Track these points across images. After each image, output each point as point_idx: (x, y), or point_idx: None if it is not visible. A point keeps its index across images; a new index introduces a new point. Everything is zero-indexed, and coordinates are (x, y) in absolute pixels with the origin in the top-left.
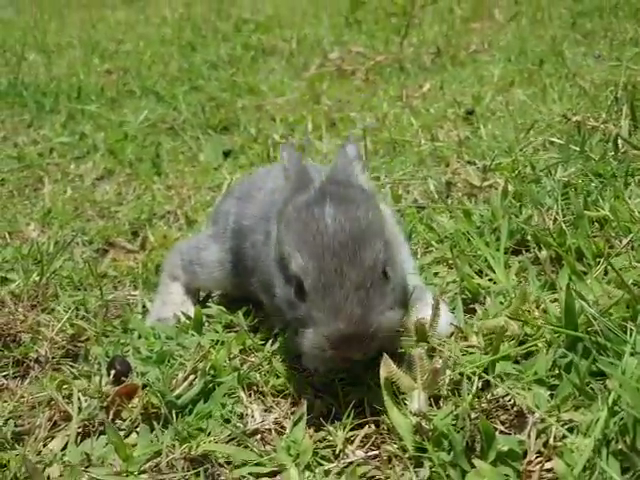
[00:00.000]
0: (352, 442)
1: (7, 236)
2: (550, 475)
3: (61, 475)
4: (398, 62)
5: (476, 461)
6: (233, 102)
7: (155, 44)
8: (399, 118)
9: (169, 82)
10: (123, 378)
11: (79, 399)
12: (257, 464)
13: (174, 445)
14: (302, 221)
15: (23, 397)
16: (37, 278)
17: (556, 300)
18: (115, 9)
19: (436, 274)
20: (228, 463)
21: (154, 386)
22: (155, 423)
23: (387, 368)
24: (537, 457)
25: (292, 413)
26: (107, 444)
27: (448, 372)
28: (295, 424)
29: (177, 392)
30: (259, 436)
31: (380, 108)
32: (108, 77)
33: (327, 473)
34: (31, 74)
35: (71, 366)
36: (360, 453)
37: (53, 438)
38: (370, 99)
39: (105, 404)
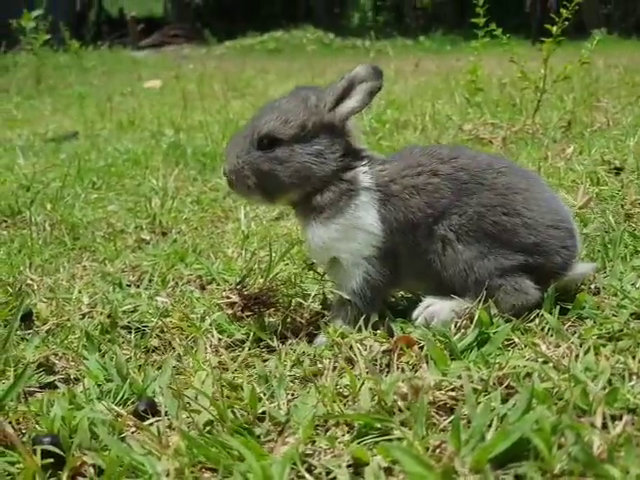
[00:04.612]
0: None
1: (212, 255)
2: None
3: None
4: (530, 135)
5: None
6: None
7: None
8: (553, 173)
9: None
10: None
11: (358, 347)
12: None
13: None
14: None
15: (303, 353)
16: (261, 280)
17: None
18: (228, 101)
19: None
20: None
21: (435, 332)
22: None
23: None
24: None
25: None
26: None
27: None
28: (586, 352)
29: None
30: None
31: (528, 166)
32: None
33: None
34: (184, 144)
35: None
36: None
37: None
38: (516, 160)
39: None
